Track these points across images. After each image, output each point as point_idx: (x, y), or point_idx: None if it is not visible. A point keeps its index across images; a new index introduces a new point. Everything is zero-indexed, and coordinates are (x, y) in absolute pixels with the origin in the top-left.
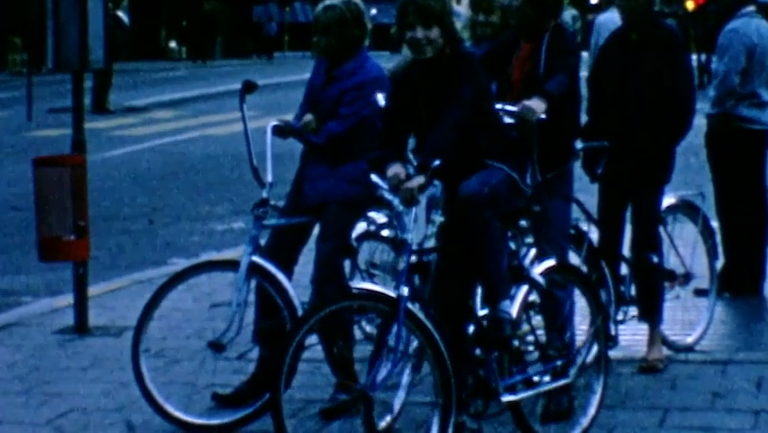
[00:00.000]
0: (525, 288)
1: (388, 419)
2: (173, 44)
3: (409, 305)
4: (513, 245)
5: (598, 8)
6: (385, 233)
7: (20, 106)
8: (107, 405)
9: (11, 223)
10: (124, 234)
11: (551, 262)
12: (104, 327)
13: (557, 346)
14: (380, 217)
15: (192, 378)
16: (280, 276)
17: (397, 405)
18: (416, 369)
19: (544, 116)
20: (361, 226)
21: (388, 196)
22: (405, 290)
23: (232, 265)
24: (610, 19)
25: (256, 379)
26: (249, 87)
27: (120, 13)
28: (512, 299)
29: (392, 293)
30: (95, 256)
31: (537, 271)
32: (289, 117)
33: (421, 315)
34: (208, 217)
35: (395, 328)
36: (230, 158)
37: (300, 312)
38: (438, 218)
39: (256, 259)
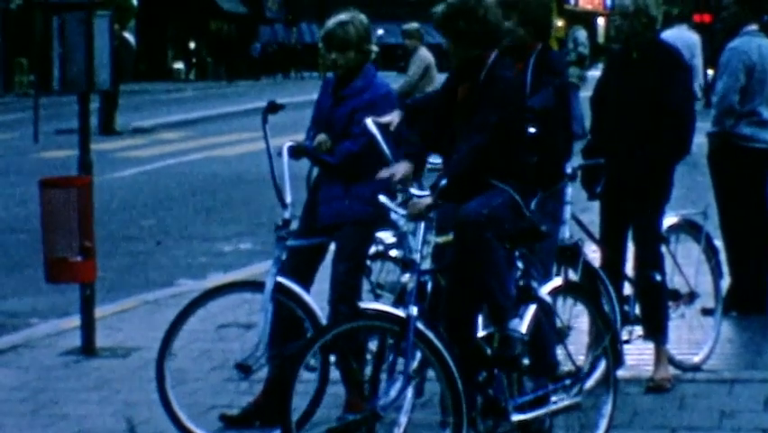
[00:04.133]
0: (533, 307)
1: None
2: (179, 65)
3: (419, 324)
4: (521, 265)
5: (666, 23)
6: (393, 253)
7: (27, 128)
8: (115, 427)
9: (18, 244)
10: (131, 256)
11: (558, 282)
12: (111, 348)
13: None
14: (389, 237)
15: (200, 398)
16: (305, 296)
17: (401, 427)
18: (419, 393)
19: (533, 130)
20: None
21: (393, 216)
22: (414, 310)
23: (257, 286)
24: (678, 36)
25: (263, 400)
26: (273, 108)
27: (126, 35)
28: (521, 317)
29: (401, 313)
30: (101, 277)
31: (545, 290)
32: (298, 138)
33: (430, 334)
34: (215, 238)
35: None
36: (236, 178)
37: None
38: (433, 238)
39: (281, 280)
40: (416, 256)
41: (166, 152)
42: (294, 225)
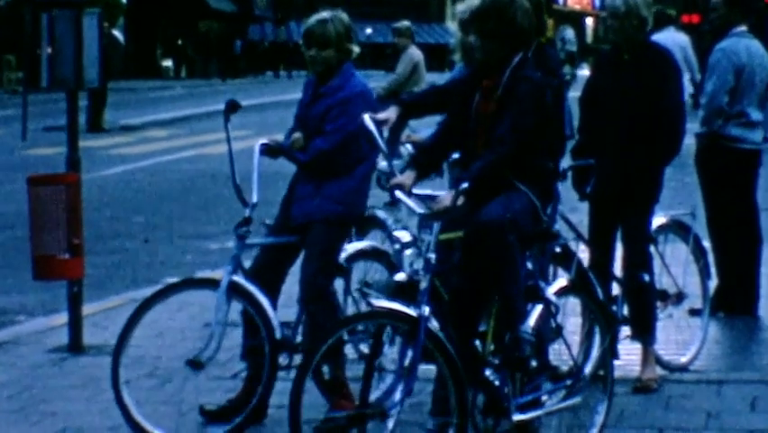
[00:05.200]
0: (539, 307)
1: None
2: (168, 63)
3: (429, 324)
4: (530, 265)
5: (656, 27)
6: (408, 252)
7: (15, 125)
8: (102, 424)
9: (5, 241)
10: (119, 253)
11: (563, 282)
12: (98, 346)
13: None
14: (405, 236)
15: (185, 397)
16: (259, 296)
17: (391, 423)
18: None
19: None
20: (353, 246)
21: (382, 215)
22: (426, 310)
23: (212, 284)
24: (668, 38)
25: (243, 397)
26: (232, 107)
27: (115, 32)
28: (528, 318)
29: (412, 312)
30: (89, 275)
31: (551, 290)
32: (281, 137)
33: (440, 334)
34: (203, 236)
35: (409, 346)
36: (224, 176)
37: (278, 333)
38: (428, 238)
39: (236, 278)
40: (431, 256)
41: (154, 149)
42: (268, 223)
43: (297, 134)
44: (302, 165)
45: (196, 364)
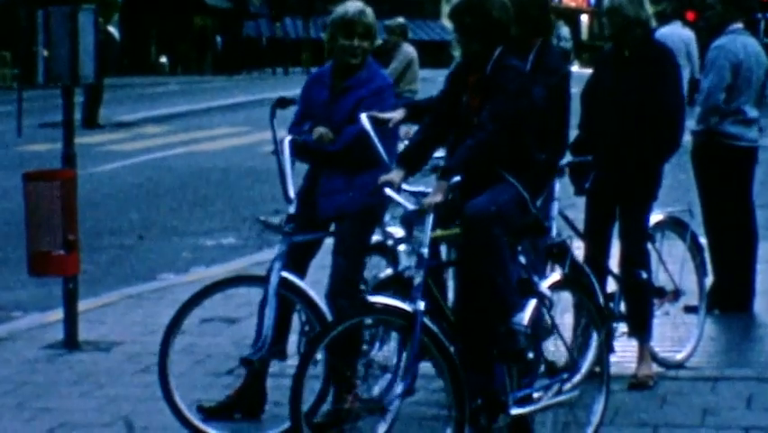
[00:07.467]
0: (533, 301)
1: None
2: (164, 59)
3: (425, 319)
4: (523, 259)
5: (662, 22)
6: (402, 247)
7: (10, 121)
8: (97, 420)
9: (1, 237)
10: (114, 249)
11: (557, 276)
12: (93, 342)
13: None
14: (399, 231)
15: (183, 393)
16: (311, 292)
17: (389, 418)
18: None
19: None
20: None
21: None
22: (421, 305)
23: (262, 281)
24: (674, 32)
25: (242, 392)
26: (282, 103)
27: (110, 29)
28: (523, 311)
29: (408, 307)
30: (84, 271)
31: (545, 285)
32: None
33: (436, 329)
34: (198, 232)
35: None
36: (220, 173)
37: None
38: (422, 233)
39: (285, 275)
40: (424, 251)
41: (149, 146)
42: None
43: (323, 129)
44: (333, 156)
45: (248, 363)
